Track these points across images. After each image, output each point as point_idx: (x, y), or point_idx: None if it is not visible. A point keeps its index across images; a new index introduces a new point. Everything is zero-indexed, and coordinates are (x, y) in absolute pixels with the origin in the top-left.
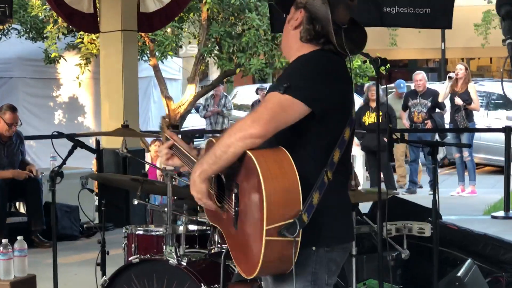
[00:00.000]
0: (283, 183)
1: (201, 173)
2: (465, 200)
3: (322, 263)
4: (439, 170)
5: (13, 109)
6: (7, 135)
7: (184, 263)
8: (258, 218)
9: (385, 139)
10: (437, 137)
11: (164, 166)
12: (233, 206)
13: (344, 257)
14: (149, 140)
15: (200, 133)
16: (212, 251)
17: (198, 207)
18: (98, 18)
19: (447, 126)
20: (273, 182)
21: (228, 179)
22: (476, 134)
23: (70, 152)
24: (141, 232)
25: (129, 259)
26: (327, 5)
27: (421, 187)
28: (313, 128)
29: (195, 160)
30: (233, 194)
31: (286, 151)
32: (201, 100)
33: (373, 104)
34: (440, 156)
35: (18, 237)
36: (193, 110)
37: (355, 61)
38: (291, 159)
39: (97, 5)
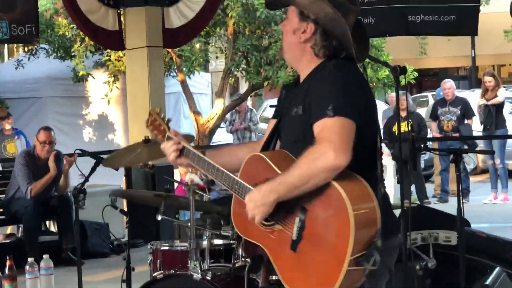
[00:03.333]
0: (366, 216)
1: (276, 199)
2: (497, 208)
3: None
4: (471, 178)
5: (46, 128)
6: (43, 156)
7: (208, 278)
8: (338, 248)
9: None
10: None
11: (187, 182)
12: (295, 230)
13: None
14: None
15: None
16: (237, 265)
17: (222, 221)
18: (123, 35)
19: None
20: (359, 216)
21: (289, 201)
22: (509, 141)
23: (93, 169)
24: (166, 248)
25: (153, 275)
26: (341, 19)
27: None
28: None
29: (217, 166)
30: (297, 218)
31: (361, 179)
32: (228, 116)
33: (403, 114)
34: (470, 166)
35: (44, 256)
36: (222, 124)
37: (383, 71)
38: (369, 187)
39: (122, 22)
